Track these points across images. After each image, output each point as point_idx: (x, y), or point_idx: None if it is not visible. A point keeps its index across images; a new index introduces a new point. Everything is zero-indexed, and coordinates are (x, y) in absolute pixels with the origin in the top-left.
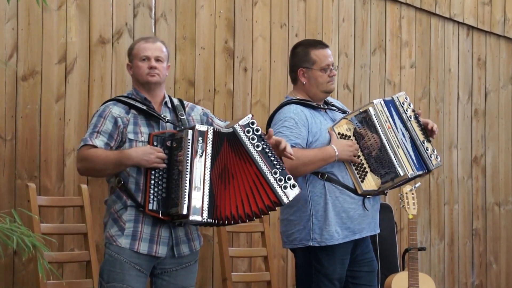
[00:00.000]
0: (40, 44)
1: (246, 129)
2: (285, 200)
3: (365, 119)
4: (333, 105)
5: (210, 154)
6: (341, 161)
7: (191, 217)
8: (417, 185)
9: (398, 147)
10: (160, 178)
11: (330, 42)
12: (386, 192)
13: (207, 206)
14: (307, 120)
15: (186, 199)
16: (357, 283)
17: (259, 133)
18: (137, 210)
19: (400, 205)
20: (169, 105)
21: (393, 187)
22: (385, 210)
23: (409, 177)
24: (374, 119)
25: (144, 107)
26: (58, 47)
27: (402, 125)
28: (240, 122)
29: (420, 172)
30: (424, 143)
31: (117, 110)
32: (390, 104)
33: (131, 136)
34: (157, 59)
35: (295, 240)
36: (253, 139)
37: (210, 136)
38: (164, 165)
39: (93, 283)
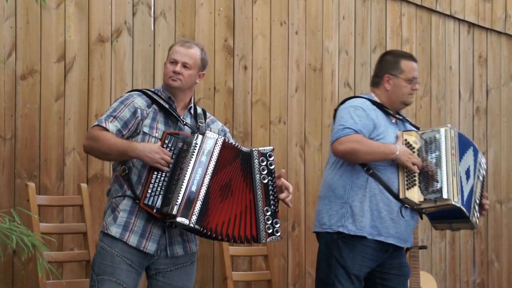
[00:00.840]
0: (39, 42)
1: (261, 158)
2: (262, 240)
3: (432, 139)
4: (406, 119)
5: (214, 163)
6: (398, 162)
7: (179, 218)
8: None
9: (454, 175)
10: (162, 176)
11: (330, 40)
12: (420, 214)
13: (198, 212)
14: (377, 117)
15: (179, 200)
16: (386, 284)
17: (271, 167)
18: (133, 201)
19: None
20: (192, 111)
21: (432, 212)
22: None
23: (452, 203)
24: (442, 141)
25: (166, 105)
26: (57, 45)
27: (473, 174)
28: (260, 149)
29: (465, 210)
30: (476, 201)
31: (139, 101)
32: (464, 140)
33: (146, 129)
34: (184, 65)
35: (324, 224)
36: (263, 170)
37: (219, 145)
38: (166, 169)
39: None
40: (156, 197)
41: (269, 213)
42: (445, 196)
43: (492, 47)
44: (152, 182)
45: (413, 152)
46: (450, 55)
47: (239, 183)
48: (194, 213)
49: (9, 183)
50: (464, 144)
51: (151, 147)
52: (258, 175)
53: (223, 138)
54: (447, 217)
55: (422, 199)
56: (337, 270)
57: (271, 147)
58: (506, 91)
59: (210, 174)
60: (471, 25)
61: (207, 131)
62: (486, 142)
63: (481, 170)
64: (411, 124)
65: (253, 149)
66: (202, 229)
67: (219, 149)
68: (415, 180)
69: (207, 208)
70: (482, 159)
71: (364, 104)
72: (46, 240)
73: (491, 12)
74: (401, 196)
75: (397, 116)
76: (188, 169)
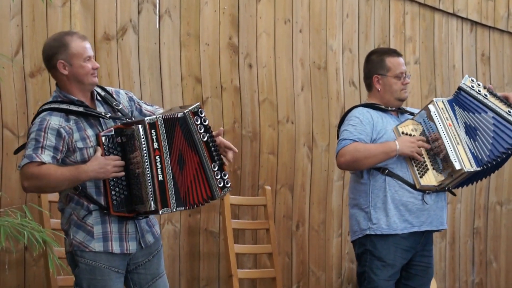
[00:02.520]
0: (45, 40)
1: (195, 117)
2: (217, 197)
3: (427, 117)
4: (406, 111)
5: (165, 145)
6: (403, 156)
7: (161, 211)
8: None
9: (458, 144)
10: (119, 178)
11: (334, 38)
12: (451, 189)
13: (173, 195)
14: (372, 118)
15: (152, 195)
16: (409, 284)
17: (206, 123)
18: (101, 212)
19: None
20: (99, 97)
21: (455, 184)
22: None
23: (465, 171)
24: (434, 116)
25: (81, 109)
26: None
27: (482, 107)
28: (190, 109)
29: (478, 168)
30: (510, 112)
31: (56, 120)
32: (454, 102)
33: (80, 144)
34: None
35: (355, 232)
36: (200, 128)
37: (161, 126)
38: (123, 173)
39: None
40: (122, 199)
41: (216, 168)
42: (457, 167)
43: (495, 46)
44: (112, 186)
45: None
46: (453, 54)
47: (186, 149)
48: (171, 199)
49: None
50: (454, 106)
51: (99, 163)
52: (196, 135)
53: (161, 117)
54: (478, 177)
55: (442, 178)
56: (372, 262)
57: (198, 103)
58: (509, 90)
59: (168, 158)
60: (474, 23)
61: (146, 118)
62: None
63: (480, 90)
64: (410, 113)
65: (185, 111)
66: (185, 208)
67: (163, 129)
68: (426, 166)
69: (177, 187)
70: (467, 83)
71: (357, 112)
72: (56, 236)
73: (494, 10)
74: (417, 187)
75: (391, 109)
76: (146, 164)
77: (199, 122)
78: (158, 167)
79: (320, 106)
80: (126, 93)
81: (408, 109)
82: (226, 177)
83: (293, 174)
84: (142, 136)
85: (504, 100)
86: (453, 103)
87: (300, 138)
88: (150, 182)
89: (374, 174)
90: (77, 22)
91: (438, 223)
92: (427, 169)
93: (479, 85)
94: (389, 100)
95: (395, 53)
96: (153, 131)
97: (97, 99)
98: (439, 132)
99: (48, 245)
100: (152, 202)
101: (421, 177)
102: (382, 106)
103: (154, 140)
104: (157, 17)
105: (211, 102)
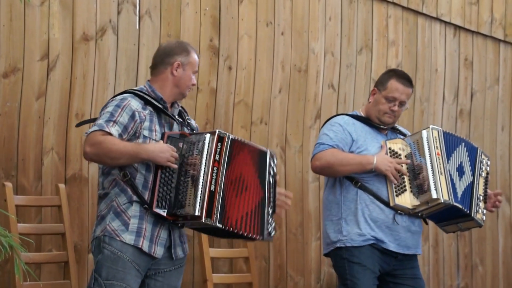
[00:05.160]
0: (22, 40)
1: (273, 158)
2: (260, 238)
3: (417, 142)
4: (398, 130)
5: (226, 160)
6: (378, 172)
7: (204, 219)
8: None
9: (441, 174)
10: (169, 177)
11: (316, 41)
12: (424, 217)
13: (218, 209)
14: (355, 131)
15: (200, 201)
16: None
17: (275, 169)
18: (141, 207)
19: None
20: (179, 108)
21: (429, 213)
22: None
23: (442, 201)
24: (424, 142)
25: (160, 106)
26: (40, 43)
27: (470, 171)
28: (271, 150)
29: (461, 206)
30: (479, 198)
31: (135, 104)
32: (452, 138)
33: (146, 133)
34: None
35: (328, 244)
36: (272, 170)
37: (228, 142)
38: (176, 166)
39: (71, 285)
40: (166, 199)
41: (270, 212)
42: (434, 196)
43: (478, 50)
44: (161, 185)
45: (400, 158)
46: (436, 58)
47: (253, 179)
48: (216, 212)
49: None
50: (452, 142)
51: (161, 147)
52: (268, 174)
53: (230, 136)
54: (450, 217)
55: (417, 203)
56: (351, 268)
57: (273, 150)
58: (491, 94)
59: (224, 173)
60: (457, 28)
61: (217, 130)
62: None
63: (483, 167)
64: (400, 133)
65: (268, 149)
66: (223, 226)
67: (229, 146)
68: (404, 187)
69: (224, 204)
70: (484, 158)
71: (341, 120)
72: (24, 241)
73: (477, 15)
74: (391, 204)
75: (382, 127)
76: (203, 170)
77: (273, 165)
78: (213, 177)
79: (296, 108)
80: (195, 122)
81: (402, 129)
82: (273, 225)
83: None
84: (208, 144)
85: (486, 194)
86: (450, 138)
87: (272, 138)
88: (201, 188)
89: (346, 185)
90: (56, 22)
91: (407, 246)
92: (405, 189)
93: (487, 167)
94: (371, 115)
95: (405, 80)
96: (219, 144)
97: (176, 108)
98: (425, 158)
99: (14, 250)
100: (198, 207)
101: (397, 195)
102: (373, 122)
103: (217, 152)
104: (137, 17)
105: (185, 103)
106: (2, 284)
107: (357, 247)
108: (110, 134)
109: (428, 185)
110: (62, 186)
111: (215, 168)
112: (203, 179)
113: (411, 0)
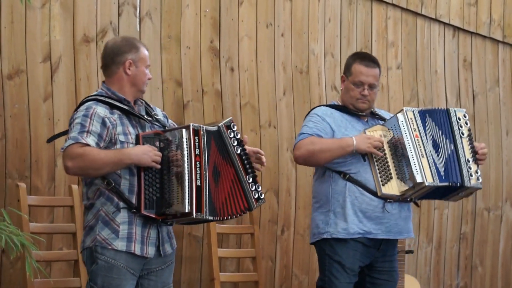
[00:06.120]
0: (24, 42)
1: (229, 130)
2: (253, 208)
3: (395, 126)
4: (378, 115)
5: (205, 154)
6: (361, 153)
7: (195, 215)
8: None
9: (423, 156)
10: (153, 178)
11: (316, 42)
12: (414, 200)
13: (208, 203)
14: (334, 121)
15: (188, 197)
16: None
17: (238, 136)
18: (129, 212)
19: None
20: (143, 104)
21: (418, 196)
22: None
23: (427, 184)
24: (401, 125)
25: (127, 107)
26: (42, 45)
27: (450, 139)
28: (224, 123)
29: (444, 184)
30: (469, 162)
31: (101, 110)
32: (428, 114)
33: (122, 138)
34: None
35: (314, 235)
36: (233, 141)
37: (203, 135)
38: (159, 166)
39: (80, 282)
40: (153, 200)
41: (250, 180)
42: (418, 180)
43: (477, 51)
44: (146, 187)
45: (383, 146)
46: (435, 59)
47: (221, 162)
48: (205, 205)
49: (0, 183)
50: (425, 117)
51: (143, 148)
52: (231, 148)
53: (203, 127)
54: (446, 193)
55: (404, 188)
56: (331, 266)
57: (230, 118)
58: (492, 96)
59: (206, 165)
60: (456, 29)
61: (191, 124)
62: None
63: (462, 127)
64: (380, 118)
65: (219, 124)
66: (215, 218)
67: (205, 139)
68: (390, 174)
69: (211, 197)
70: (458, 113)
71: (319, 111)
72: (35, 239)
73: (476, 16)
74: (378, 194)
75: (361, 114)
76: (186, 166)
77: (232, 135)
78: (197, 172)
79: (302, 110)
80: (161, 111)
81: (382, 112)
82: (260, 189)
83: (278, 179)
84: (185, 139)
85: (474, 151)
86: (427, 115)
87: (283, 142)
88: (188, 184)
89: (335, 178)
90: (57, 24)
91: (398, 232)
92: (391, 177)
93: (466, 123)
94: (347, 104)
95: (368, 61)
96: (196, 137)
97: (139, 105)
98: (405, 143)
99: (26, 249)
100: (187, 204)
101: (383, 185)
102: (352, 110)
103: (196, 146)
104: (138, 19)
105: (192, 105)
106: (14, 281)
107: (341, 240)
108: (87, 145)
109: (411, 169)
110: (75, 187)
111: (197, 162)
112: (188, 175)
113: (410, 1)
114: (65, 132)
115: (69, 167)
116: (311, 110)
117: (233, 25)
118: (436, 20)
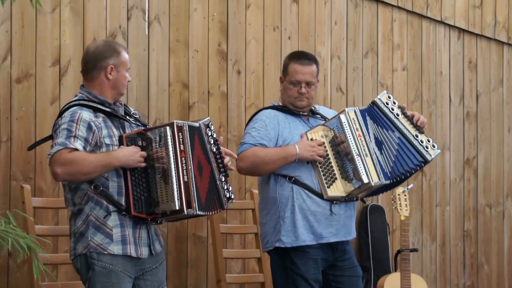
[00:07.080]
0: (34, 46)
1: (207, 129)
2: (225, 207)
3: (337, 127)
4: (318, 113)
5: (189, 149)
6: (304, 161)
7: (186, 211)
8: (409, 187)
9: (367, 155)
10: (139, 178)
11: (322, 45)
12: (361, 199)
13: (195, 198)
14: (278, 124)
15: (177, 194)
16: (341, 287)
17: (215, 135)
18: (119, 214)
19: (392, 206)
20: (122, 106)
21: (364, 195)
22: (377, 212)
23: (373, 184)
24: (344, 126)
25: (110, 110)
26: (52, 49)
27: (391, 128)
28: (204, 121)
29: (387, 182)
30: (417, 137)
31: (86, 115)
32: (367, 112)
33: (107, 140)
34: None
35: (267, 243)
36: (210, 140)
37: (187, 131)
38: (144, 164)
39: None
40: (141, 200)
41: (223, 179)
42: (365, 180)
43: (482, 53)
44: (133, 187)
45: (325, 147)
46: (441, 60)
47: (202, 158)
48: (194, 201)
49: (5, 185)
50: (366, 116)
51: (129, 150)
52: (208, 145)
53: (186, 123)
54: (390, 186)
55: (350, 189)
56: (295, 279)
57: (208, 117)
58: (496, 96)
59: (191, 161)
60: (461, 30)
61: (174, 121)
62: (477, 147)
63: (394, 109)
64: (321, 116)
65: (199, 122)
66: (204, 213)
67: (188, 135)
68: (334, 175)
69: (198, 192)
70: (383, 98)
71: (262, 115)
72: (41, 242)
73: (481, 18)
74: (324, 197)
75: (302, 113)
76: (172, 163)
77: (210, 134)
78: (183, 168)
79: None
80: (133, 110)
81: (322, 109)
82: (231, 189)
83: None
84: (170, 136)
85: (414, 123)
86: (366, 114)
87: None
88: (176, 181)
89: (281, 182)
90: (67, 28)
91: (346, 233)
92: (335, 178)
93: (394, 103)
94: (286, 103)
95: (303, 60)
96: (180, 134)
97: (119, 106)
98: (348, 143)
99: (32, 251)
100: (177, 201)
101: (328, 187)
102: (293, 110)
103: (181, 142)
104: (147, 23)
105: (197, 107)
106: (21, 284)
107: (298, 249)
108: (76, 149)
109: (357, 170)
110: None
111: (183, 158)
112: (175, 172)
113: (415, 4)
114: (47, 139)
115: (58, 173)
116: (255, 114)
117: (240, 28)
118: (441, 22)
